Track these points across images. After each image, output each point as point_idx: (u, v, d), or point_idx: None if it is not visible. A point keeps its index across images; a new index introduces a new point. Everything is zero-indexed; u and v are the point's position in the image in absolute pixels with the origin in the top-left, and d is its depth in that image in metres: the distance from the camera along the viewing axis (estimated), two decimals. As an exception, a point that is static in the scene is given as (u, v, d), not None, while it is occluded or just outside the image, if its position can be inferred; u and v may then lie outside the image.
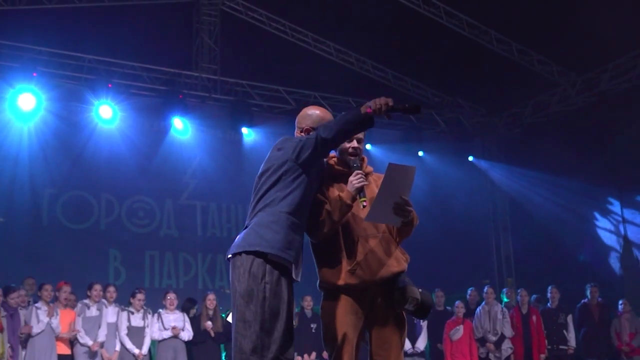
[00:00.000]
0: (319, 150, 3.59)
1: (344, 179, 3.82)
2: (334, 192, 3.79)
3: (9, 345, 7.98)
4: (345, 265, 3.73)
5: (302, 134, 3.85)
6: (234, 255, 3.59)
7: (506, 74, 12.84)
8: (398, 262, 3.83)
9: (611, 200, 12.67)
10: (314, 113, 3.94)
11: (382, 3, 12.12)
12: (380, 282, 3.75)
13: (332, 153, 3.98)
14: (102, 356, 8.74)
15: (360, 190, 3.69)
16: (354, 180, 3.70)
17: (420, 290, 3.74)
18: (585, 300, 10.47)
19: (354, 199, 3.69)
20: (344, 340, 3.72)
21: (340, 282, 3.73)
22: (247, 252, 3.52)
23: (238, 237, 3.66)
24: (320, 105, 12.84)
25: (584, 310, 10.42)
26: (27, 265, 9.82)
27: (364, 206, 3.72)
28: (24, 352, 8.33)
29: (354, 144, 3.86)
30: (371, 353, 3.86)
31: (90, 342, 8.59)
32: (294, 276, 3.60)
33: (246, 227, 3.66)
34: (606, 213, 12.89)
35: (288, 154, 3.63)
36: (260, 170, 3.75)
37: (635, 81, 11.85)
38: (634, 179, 11.94)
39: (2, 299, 7.96)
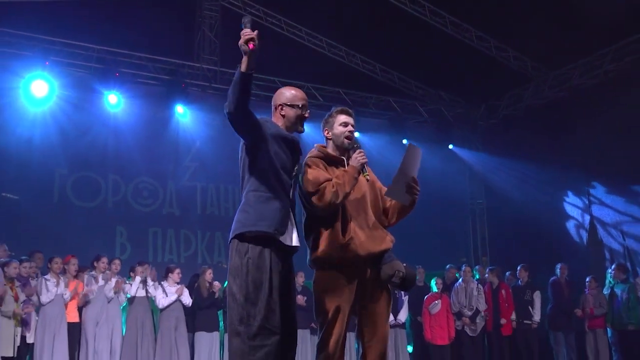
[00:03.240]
0: (235, 126, 3.58)
1: (337, 163, 3.93)
2: (334, 173, 3.85)
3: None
4: (339, 240, 3.77)
5: (276, 110, 3.90)
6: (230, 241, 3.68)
7: (484, 69, 12.91)
8: (385, 240, 3.91)
9: (578, 185, 12.75)
10: (284, 91, 3.96)
11: (371, 1, 12.13)
12: (369, 258, 3.82)
13: (322, 144, 4.10)
14: (116, 284, 8.84)
15: (363, 166, 3.81)
16: (359, 156, 3.83)
17: (404, 264, 3.83)
18: (555, 277, 10.57)
19: (359, 173, 3.80)
20: (336, 311, 3.77)
21: (335, 254, 3.77)
22: (233, 238, 3.61)
23: None
24: (312, 95, 12.97)
25: (556, 286, 10.52)
26: (39, 240, 9.82)
27: (367, 180, 3.88)
28: (36, 320, 8.37)
29: (349, 128, 4.01)
30: (360, 323, 3.93)
31: (101, 282, 8.72)
32: (287, 242, 3.63)
33: None
34: (574, 197, 12.97)
35: (244, 142, 3.74)
36: None
37: (603, 77, 11.95)
38: (600, 166, 12.00)
39: (17, 271, 7.96)
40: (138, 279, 8.99)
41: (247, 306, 3.44)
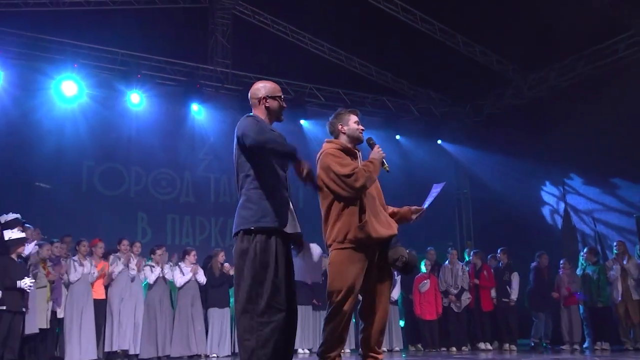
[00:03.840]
0: (251, 150, 3.53)
1: (352, 155, 4.10)
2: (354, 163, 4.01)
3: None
4: (357, 223, 3.86)
5: (260, 103, 3.81)
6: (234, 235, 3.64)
7: (470, 71, 12.89)
8: (392, 226, 4.02)
9: (555, 176, 12.75)
10: (264, 85, 3.88)
11: (368, 11, 12.13)
12: (379, 241, 3.90)
13: (339, 140, 4.18)
14: (138, 262, 8.93)
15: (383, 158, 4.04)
16: (379, 151, 4.05)
17: (407, 250, 3.89)
18: (536, 263, 10.50)
19: (382, 165, 4.02)
20: (349, 289, 3.84)
21: (352, 236, 3.84)
22: (236, 233, 3.58)
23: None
24: (313, 95, 12.97)
25: (537, 272, 10.46)
26: (69, 225, 9.84)
27: (388, 171, 4.08)
28: (65, 296, 8.41)
29: (361, 127, 4.21)
30: (364, 301, 4.04)
31: (121, 267, 8.74)
32: (288, 230, 3.60)
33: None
34: (551, 187, 12.97)
35: (239, 143, 3.61)
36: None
37: (577, 79, 11.91)
38: (573, 160, 12.05)
39: (49, 252, 7.99)
40: (158, 269, 9.02)
41: (255, 286, 3.42)
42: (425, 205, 4.31)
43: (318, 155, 4.11)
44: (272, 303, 3.42)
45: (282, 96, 3.86)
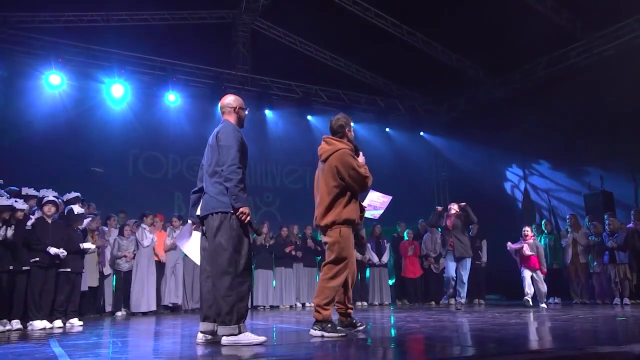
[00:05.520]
0: (226, 178, 3.62)
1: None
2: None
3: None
4: (358, 211, 4.15)
5: (234, 111, 3.99)
6: (205, 217, 3.70)
7: (448, 75, 12.83)
8: None
9: (516, 162, 12.72)
10: (236, 98, 4.10)
11: (363, 25, 12.07)
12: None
13: (346, 143, 4.24)
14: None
15: None
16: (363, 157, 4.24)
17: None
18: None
19: None
20: (352, 256, 4.16)
21: (356, 219, 4.09)
22: (214, 213, 3.65)
23: (204, 202, 3.75)
24: (318, 95, 12.94)
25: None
26: (119, 203, 9.91)
27: None
28: (109, 257, 8.56)
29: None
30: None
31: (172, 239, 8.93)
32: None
33: (205, 194, 3.78)
34: (515, 169, 12.94)
35: (220, 158, 3.71)
36: (207, 155, 3.87)
37: (538, 81, 11.84)
38: (532, 149, 12.03)
39: (99, 225, 8.04)
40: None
41: (234, 254, 3.55)
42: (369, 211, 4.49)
43: (333, 149, 4.16)
44: (246, 267, 3.59)
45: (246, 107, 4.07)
